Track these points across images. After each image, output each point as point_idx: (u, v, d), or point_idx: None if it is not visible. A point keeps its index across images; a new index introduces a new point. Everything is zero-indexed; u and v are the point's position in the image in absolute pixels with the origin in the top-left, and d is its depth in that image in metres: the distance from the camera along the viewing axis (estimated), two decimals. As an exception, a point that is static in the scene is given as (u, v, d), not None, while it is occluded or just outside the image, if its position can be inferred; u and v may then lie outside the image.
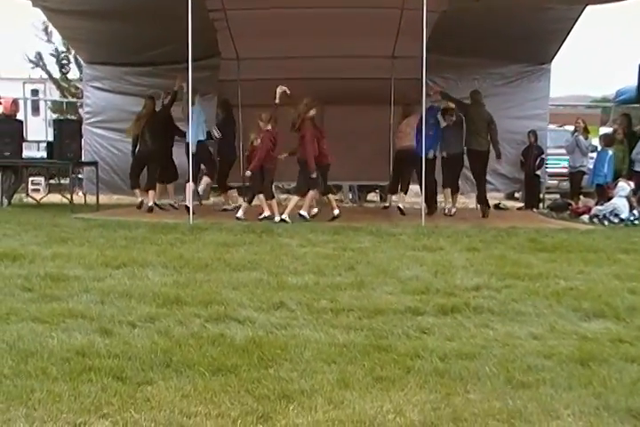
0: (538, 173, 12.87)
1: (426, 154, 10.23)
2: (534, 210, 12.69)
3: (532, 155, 12.67)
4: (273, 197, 10.19)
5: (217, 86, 12.05)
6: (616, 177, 11.43)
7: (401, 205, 11.17)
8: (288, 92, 9.89)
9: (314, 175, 9.78)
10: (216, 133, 11.31)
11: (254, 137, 10.18)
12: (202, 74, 11.28)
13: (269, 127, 10.07)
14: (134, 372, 3.37)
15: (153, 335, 3.99)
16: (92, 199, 12.23)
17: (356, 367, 3.50)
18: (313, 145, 9.84)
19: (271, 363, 3.54)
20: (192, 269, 5.96)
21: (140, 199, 11.22)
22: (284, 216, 9.71)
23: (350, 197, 14.69)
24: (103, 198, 12.49)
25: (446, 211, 11.32)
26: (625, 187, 10.68)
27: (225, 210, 11.51)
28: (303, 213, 9.80)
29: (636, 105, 12.49)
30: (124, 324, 4.22)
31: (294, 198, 10.11)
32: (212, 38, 11.76)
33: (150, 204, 10.95)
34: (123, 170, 12.59)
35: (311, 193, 10.03)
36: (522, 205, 13.43)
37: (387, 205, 11.59)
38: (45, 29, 19.70)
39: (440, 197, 11.50)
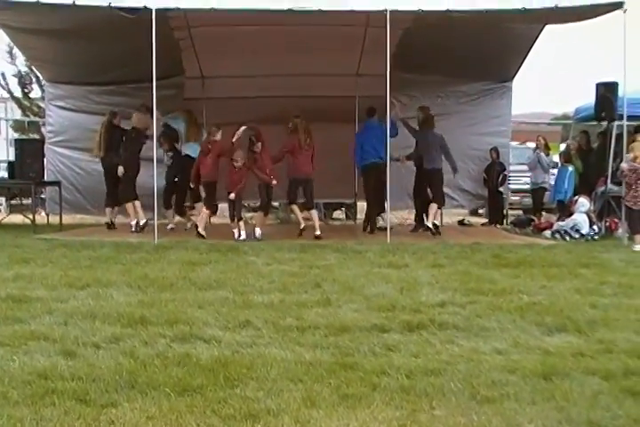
0: (500, 189, 13.05)
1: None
2: (498, 226, 12.84)
3: (495, 171, 12.85)
4: (209, 209, 10.16)
5: (182, 105, 12.03)
6: (576, 193, 11.64)
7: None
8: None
9: None
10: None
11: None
12: (167, 92, 11.25)
13: (215, 138, 10.10)
14: (98, 394, 3.33)
15: (117, 356, 3.94)
16: (55, 219, 12.07)
17: (322, 386, 3.50)
18: None
19: (237, 382, 3.52)
20: (157, 288, 5.92)
21: (109, 218, 11.26)
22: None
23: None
24: (66, 218, 12.34)
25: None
26: (585, 203, 10.86)
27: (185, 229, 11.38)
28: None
29: (594, 122, 12.74)
30: (87, 345, 4.16)
31: (314, 212, 10.54)
32: (176, 57, 11.78)
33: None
34: (86, 189, 12.50)
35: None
36: (485, 221, 13.58)
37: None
38: (10, 51, 19.49)
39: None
